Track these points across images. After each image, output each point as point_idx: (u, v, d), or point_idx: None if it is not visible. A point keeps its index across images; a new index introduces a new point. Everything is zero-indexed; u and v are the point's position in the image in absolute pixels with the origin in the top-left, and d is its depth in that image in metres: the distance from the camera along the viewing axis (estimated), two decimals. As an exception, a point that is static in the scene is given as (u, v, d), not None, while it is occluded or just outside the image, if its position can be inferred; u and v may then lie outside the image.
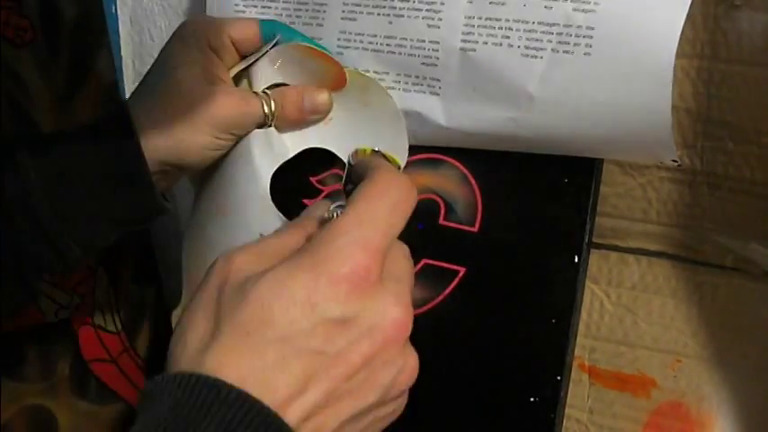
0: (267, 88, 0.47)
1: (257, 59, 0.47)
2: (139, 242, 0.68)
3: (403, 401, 0.38)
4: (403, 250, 0.38)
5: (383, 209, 0.36)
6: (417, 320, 0.46)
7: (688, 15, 0.39)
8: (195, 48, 0.47)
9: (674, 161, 0.41)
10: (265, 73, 0.47)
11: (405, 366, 0.36)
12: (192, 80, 0.46)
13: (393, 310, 0.35)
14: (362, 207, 0.35)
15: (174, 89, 0.46)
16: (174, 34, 0.48)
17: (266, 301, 0.33)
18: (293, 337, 0.33)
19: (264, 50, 0.47)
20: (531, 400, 0.45)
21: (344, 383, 0.34)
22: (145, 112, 0.45)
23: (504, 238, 0.46)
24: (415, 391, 0.49)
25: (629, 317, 0.46)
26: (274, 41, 0.47)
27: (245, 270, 0.35)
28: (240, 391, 0.31)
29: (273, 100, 0.47)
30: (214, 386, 0.31)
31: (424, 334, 0.48)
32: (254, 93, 0.47)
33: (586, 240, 0.45)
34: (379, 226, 0.35)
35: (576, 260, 0.45)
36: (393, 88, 0.47)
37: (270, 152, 0.46)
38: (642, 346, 0.45)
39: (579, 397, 0.47)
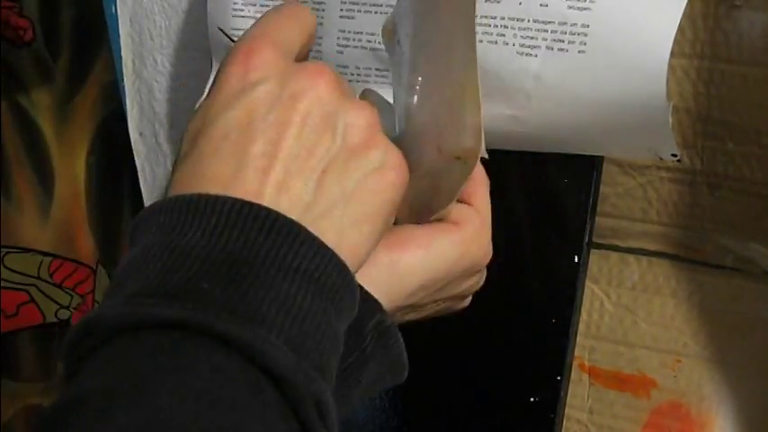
0: None
1: None
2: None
3: (386, 153, 0.36)
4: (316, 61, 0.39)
5: (268, 14, 0.37)
6: (417, 320, 0.46)
7: (688, 15, 0.39)
8: None
9: (673, 155, 0.41)
10: None
11: (348, 108, 0.35)
12: None
13: (302, 70, 0.35)
14: (255, 22, 0.37)
15: None
16: None
17: (193, 125, 0.34)
18: (223, 129, 0.33)
19: None
20: (531, 400, 0.45)
21: (296, 143, 0.33)
22: None
23: (505, 239, 0.46)
24: (415, 391, 0.49)
25: (629, 317, 0.46)
26: None
27: None
28: (209, 194, 0.31)
29: None
30: (190, 200, 0.31)
31: (424, 334, 0.48)
32: None
33: (586, 240, 0.45)
34: (264, 24, 0.36)
35: (576, 260, 0.45)
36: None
37: None
38: (642, 346, 0.45)
39: (579, 397, 0.47)
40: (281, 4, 0.39)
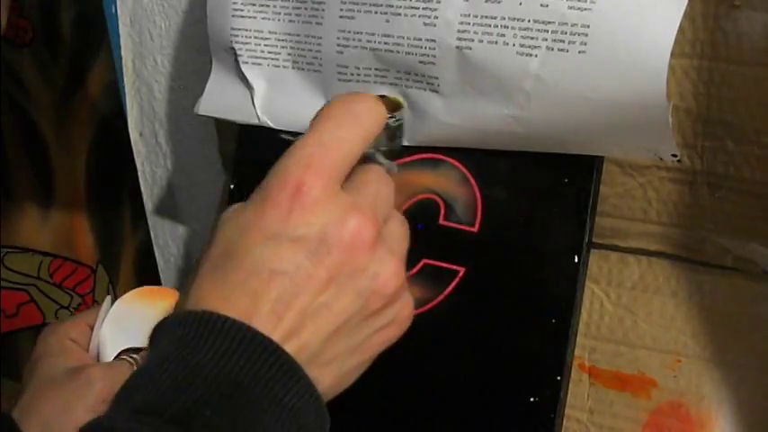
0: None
1: (99, 328, 0.49)
2: (139, 242, 0.68)
3: (402, 307, 0.38)
4: (369, 168, 0.39)
5: (330, 125, 0.37)
6: (417, 321, 0.46)
7: (688, 15, 0.39)
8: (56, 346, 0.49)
9: (673, 155, 0.41)
10: (114, 336, 0.48)
11: (380, 271, 0.36)
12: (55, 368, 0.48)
13: (345, 219, 0.35)
14: (311, 129, 0.37)
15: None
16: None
17: (226, 235, 0.35)
18: (253, 263, 0.34)
19: (102, 317, 0.49)
20: (531, 400, 0.45)
21: (316, 298, 0.34)
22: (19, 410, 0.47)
23: (504, 238, 0.46)
24: (415, 391, 0.49)
25: (629, 317, 0.46)
26: (108, 305, 0.49)
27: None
28: (228, 318, 0.33)
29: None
30: (209, 319, 0.33)
31: (425, 334, 0.48)
32: (122, 359, 0.49)
33: (586, 240, 0.45)
34: (323, 140, 0.36)
35: (576, 260, 0.45)
36: (394, 85, 0.47)
37: None
38: (642, 346, 0.45)
39: (579, 397, 0.47)
40: (352, 97, 0.38)
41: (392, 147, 0.42)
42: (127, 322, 0.48)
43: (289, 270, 0.34)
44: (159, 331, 0.34)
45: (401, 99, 0.44)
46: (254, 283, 0.34)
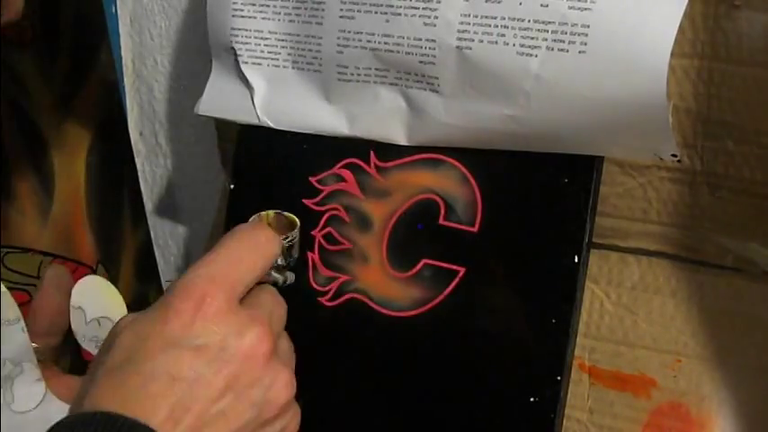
0: None
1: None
2: (139, 242, 0.68)
3: (292, 417, 0.40)
4: (266, 289, 0.42)
5: (233, 247, 0.40)
6: (417, 320, 0.46)
7: (688, 15, 0.39)
8: None
9: (673, 155, 0.41)
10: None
11: (274, 382, 0.38)
12: None
13: (244, 331, 0.37)
14: (216, 248, 0.40)
15: None
16: None
17: (124, 342, 0.37)
18: (153, 368, 0.35)
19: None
20: (531, 400, 0.45)
21: (213, 406, 0.36)
22: None
23: (504, 238, 0.46)
24: (416, 391, 0.49)
25: (629, 317, 0.46)
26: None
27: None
28: (128, 418, 0.34)
29: None
30: (108, 420, 0.34)
31: (425, 334, 0.48)
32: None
33: (586, 240, 0.45)
34: (227, 260, 0.39)
35: (576, 260, 0.45)
36: (395, 85, 0.47)
37: None
38: (642, 346, 0.45)
39: (579, 397, 0.47)
40: (249, 227, 0.42)
41: (286, 263, 0.45)
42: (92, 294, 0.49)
43: (189, 377, 0.36)
44: (58, 429, 0.35)
45: (296, 219, 0.46)
46: (154, 388, 0.35)
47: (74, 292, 0.48)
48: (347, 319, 0.50)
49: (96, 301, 0.49)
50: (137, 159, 0.66)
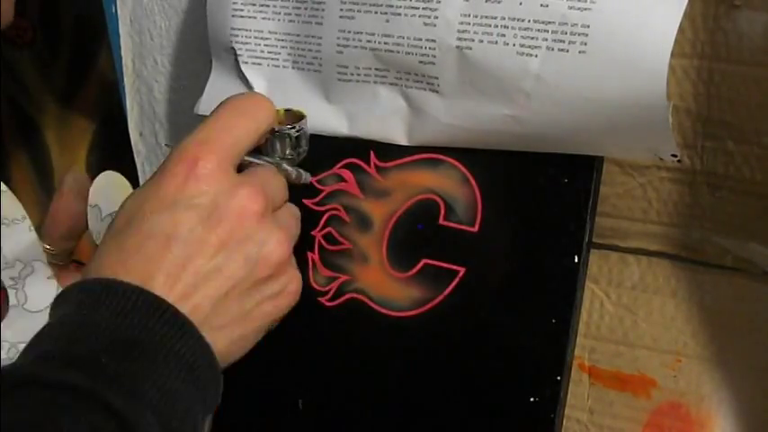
0: None
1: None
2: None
3: (290, 279, 0.41)
4: (266, 167, 0.43)
5: (225, 114, 0.41)
6: (417, 320, 0.46)
7: (688, 15, 0.39)
8: None
9: (673, 156, 0.41)
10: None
11: (267, 240, 0.40)
12: None
13: (234, 191, 0.39)
14: (208, 117, 0.41)
15: None
16: None
17: (126, 209, 0.39)
18: (150, 228, 0.37)
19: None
20: (531, 400, 0.45)
21: (208, 263, 0.38)
22: None
23: (504, 238, 0.46)
24: (416, 391, 0.49)
25: (629, 317, 0.46)
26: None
27: None
28: (124, 282, 0.36)
29: None
30: (106, 284, 0.36)
31: (424, 334, 0.48)
32: None
33: (586, 240, 0.45)
34: (218, 126, 0.40)
35: (576, 260, 0.45)
36: (395, 85, 0.47)
37: None
38: (642, 346, 0.45)
39: (579, 397, 0.47)
40: (242, 95, 0.44)
41: (296, 155, 0.46)
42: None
43: (183, 234, 0.37)
44: (60, 298, 0.37)
45: (304, 111, 0.47)
46: (150, 248, 0.37)
47: (91, 191, 0.48)
48: (347, 319, 0.50)
49: (111, 197, 0.49)
50: (137, 159, 0.66)
